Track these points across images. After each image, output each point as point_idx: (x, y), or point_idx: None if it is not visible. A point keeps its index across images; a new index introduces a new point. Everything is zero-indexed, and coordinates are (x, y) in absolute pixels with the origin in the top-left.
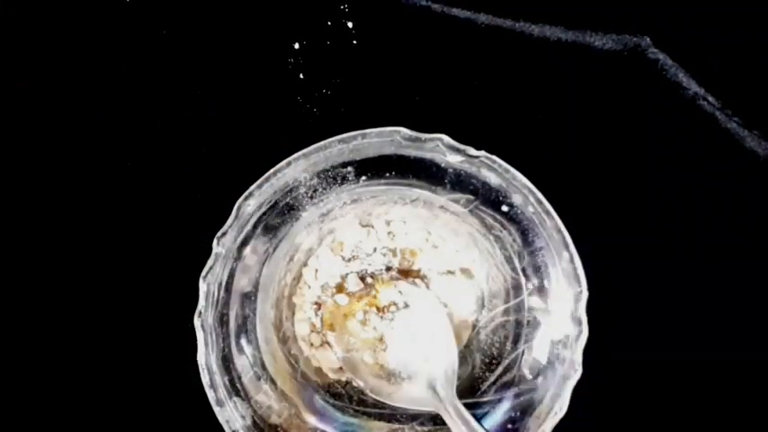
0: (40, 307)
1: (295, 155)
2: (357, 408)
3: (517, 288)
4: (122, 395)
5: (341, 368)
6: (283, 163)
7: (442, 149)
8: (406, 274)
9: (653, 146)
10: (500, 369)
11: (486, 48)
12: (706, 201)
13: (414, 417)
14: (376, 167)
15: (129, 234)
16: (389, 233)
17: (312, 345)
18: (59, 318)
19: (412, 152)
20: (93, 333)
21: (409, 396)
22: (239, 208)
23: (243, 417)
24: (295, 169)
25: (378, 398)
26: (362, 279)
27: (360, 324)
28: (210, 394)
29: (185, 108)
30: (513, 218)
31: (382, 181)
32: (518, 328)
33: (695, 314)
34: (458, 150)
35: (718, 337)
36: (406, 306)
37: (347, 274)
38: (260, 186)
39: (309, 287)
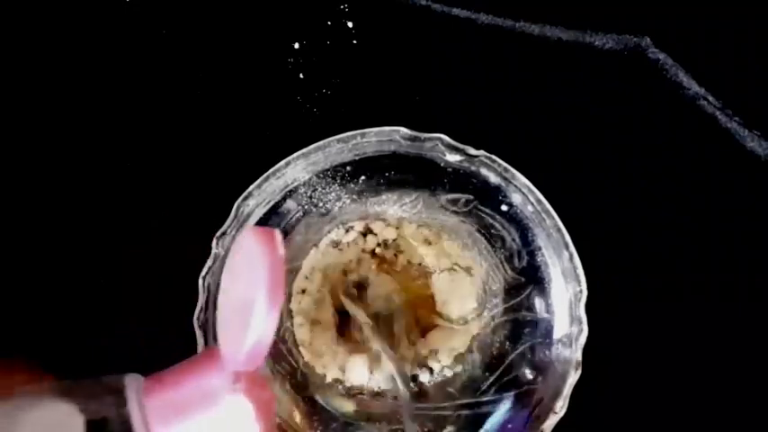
0: (39, 307)
1: (294, 154)
2: (357, 408)
3: (517, 288)
4: None
5: (341, 369)
6: (282, 163)
7: (441, 149)
8: (406, 273)
9: (653, 145)
10: (500, 369)
11: (486, 48)
12: (706, 201)
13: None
14: (375, 167)
15: (128, 234)
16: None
17: (312, 345)
18: (59, 318)
19: (411, 152)
20: (93, 333)
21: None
22: (238, 208)
23: None
24: (294, 169)
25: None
26: (361, 281)
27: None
28: None
29: (185, 108)
30: (512, 217)
31: (382, 180)
32: (518, 328)
33: (695, 314)
34: (457, 150)
35: (717, 337)
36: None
37: (346, 275)
38: (259, 186)
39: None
